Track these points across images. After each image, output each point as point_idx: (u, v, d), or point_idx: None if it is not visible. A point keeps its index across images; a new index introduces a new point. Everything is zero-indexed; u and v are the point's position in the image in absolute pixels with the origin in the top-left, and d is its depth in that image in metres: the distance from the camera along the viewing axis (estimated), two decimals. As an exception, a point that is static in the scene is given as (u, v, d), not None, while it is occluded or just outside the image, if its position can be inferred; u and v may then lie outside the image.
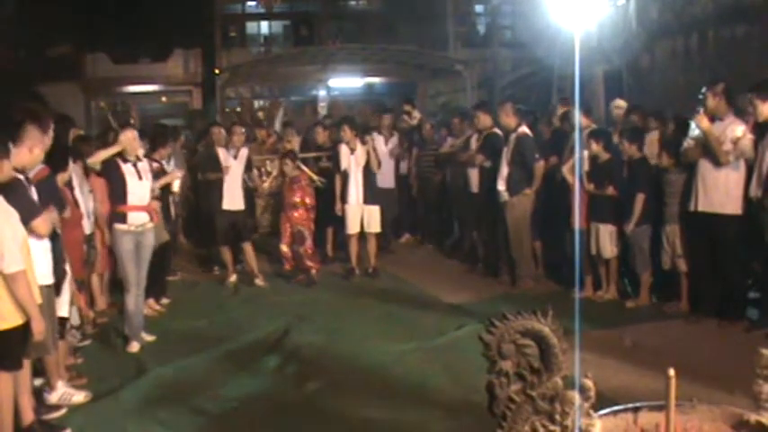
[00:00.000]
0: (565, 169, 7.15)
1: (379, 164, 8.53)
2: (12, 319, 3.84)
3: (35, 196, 4.27)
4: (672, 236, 6.48)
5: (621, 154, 6.93)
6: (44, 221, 4.22)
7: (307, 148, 10.01)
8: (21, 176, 4.20)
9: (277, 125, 12.23)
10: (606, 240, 6.89)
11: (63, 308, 4.84)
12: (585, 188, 6.98)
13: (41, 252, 4.32)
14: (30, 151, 4.27)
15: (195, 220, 9.61)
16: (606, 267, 7.07)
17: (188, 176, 9.98)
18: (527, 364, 2.32)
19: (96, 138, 7.94)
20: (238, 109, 15.39)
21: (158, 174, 7.00)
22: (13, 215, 3.85)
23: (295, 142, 10.27)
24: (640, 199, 6.60)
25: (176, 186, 6.64)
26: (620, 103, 8.30)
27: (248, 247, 8.19)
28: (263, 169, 9.71)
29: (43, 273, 4.32)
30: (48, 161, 4.87)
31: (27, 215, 4.07)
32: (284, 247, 8.26)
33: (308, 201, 8.19)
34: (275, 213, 10.12)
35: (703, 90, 6.05)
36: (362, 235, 8.53)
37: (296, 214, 8.13)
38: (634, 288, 6.95)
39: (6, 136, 4.10)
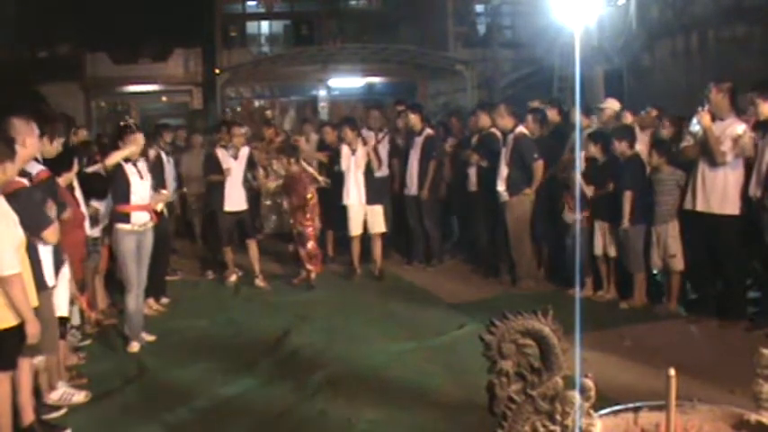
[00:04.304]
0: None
1: (380, 164, 8.46)
2: (6, 320, 3.84)
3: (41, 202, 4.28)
4: (663, 235, 6.48)
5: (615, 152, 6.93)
6: (54, 231, 4.24)
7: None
8: (26, 182, 4.20)
9: (287, 124, 12.18)
10: (609, 239, 6.89)
11: (62, 308, 4.84)
12: (584, 189, 6.96)
13: (44, 254, 4.33)
14: (22, 145, 4.22)
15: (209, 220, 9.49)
16: (607, 267, 7.06)
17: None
18: (527, 363, 2.32)
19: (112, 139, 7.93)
20: (238, 108, 15.37)
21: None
22: (11, 217, 3.85)
23: (313, 141, 10.15)
24: (627, 197, 6.60)
25: (159, 207, 6.66)
26: (611, 104, 7.96)
27: (253, 245, 8.18)
28: (269, 168, 9.68)
29: (47, 275, 4.33)
30: (51, 162, 4.89)
31: (37, 225, 4.07)
32: (290, 248, 8.27)
33: (308, 198, 8.08)
34: (280, 214, 10.09)
35: (710, 86, 6.05)
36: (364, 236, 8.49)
37: (298, 215, 8.08)
38: (628, 289, 6.91)
39: (10, 138, 4.10)
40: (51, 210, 4.40)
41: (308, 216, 8.02)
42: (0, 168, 3.91)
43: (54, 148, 5.17)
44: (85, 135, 8.40)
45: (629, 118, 7.51)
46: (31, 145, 4.35)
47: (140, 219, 6.00)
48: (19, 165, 4.11)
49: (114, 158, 5.93)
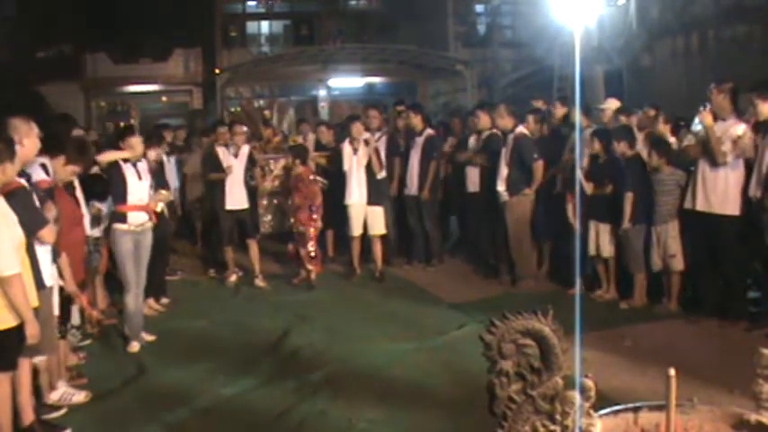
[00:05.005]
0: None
1: (382, 166, 8.41)
2: (6, 321, 3.84)
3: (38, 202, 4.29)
4: (663, 235, 6.48)
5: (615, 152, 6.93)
6: (50, 231, 4.24)
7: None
8: (26, 184, 4.21)
9: (285, 125, 12.17)
10: (606, 240, 6.89)
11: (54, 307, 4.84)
12: (584, 187, 6.96)
13: (43, 254, 4.34)
14: (20, 144, 4.23)
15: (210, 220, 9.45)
16: (606, 267, 7.06)
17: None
18: (527, 363, 2.32)
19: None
20: (237, 108, 15.33)
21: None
22: (11, 217, 3.84)
23: (310, 140, 10.16)
24: (629, 198, 6.60)
25: (160, 207, 6.67)
26: (611, 104, 7.92)
27: (254, 245, 8.18)
28: (266, 168, 9.68)
29: (45, 274, 4.34)
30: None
31: (33, 225, 4.08)
32: (290, 246, 8.26)
33: (312, 200, 8.05)
34: (277, 214, 10.08)
35: (711, 87, 6.06)
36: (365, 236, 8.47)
37: (300, 215, 8.06)
38: (628, 289, 6.91)
39: (10, 139, 4.11)
40: (50, 211, 4.41)
41: (314, 216, 8.02)
42: (0, 169, 3.92)
43: (68, 171, 5.18)
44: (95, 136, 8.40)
45: (623, 120, 7.49)
46: (29, 145, 4.36)
47: (137, 219, 6.00)
48: (18, 165, 4.11)
49: (107, 157, 5.96)
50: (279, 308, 7.24)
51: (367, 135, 8.38)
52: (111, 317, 6.75)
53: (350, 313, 7.04)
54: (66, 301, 5.03)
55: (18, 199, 4.00)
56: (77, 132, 7.65)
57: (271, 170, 9.84)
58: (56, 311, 4.81)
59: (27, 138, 4.35)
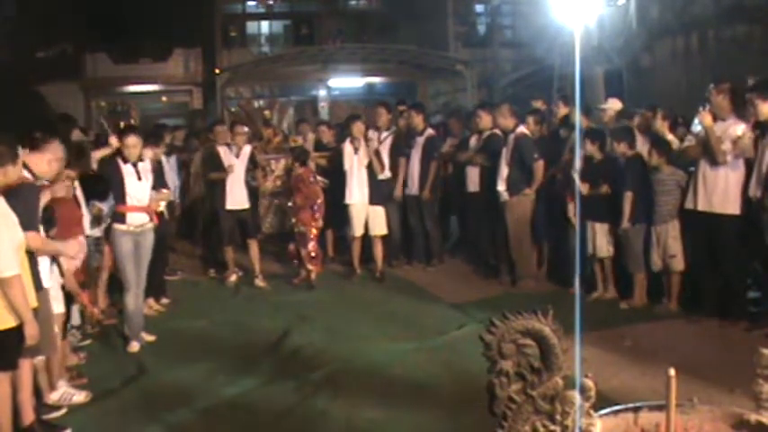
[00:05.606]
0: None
1: (383, 167, 8.40)
2: (6, 321, 3.83)
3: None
4: (663, 235, 6.47)
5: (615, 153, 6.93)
6: (35, 237, 4.19)
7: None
8: (32, 180, 4.23)
9: (285, 125, 12.18)
10: (603, 240, 6.89)
11: (58, 306, 4.84)
12: (580, 187, 6.95)
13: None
14: (48, 164, 4.43)
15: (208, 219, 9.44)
16: (603, 267, 7.05)
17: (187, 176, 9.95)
18: (527, 363, 2.32)
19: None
20: (233, 109, 15.27)
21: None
22: (11, 218, 3.84)
23: (310, 140, 10.16)
24: (629, 198, 6.60)
25: (162, 207, 6.63)
26: (613, 104, 7.88)
27: (254, 245, 8.18)
28: (267, 168, 9.68)
29: (44, 275, 4.34)
30: None
31: (24, 224, 4.08)
32: (291, 246, 8.26)
33: (314, 201, 8.05)
34: (278, 214, 10.09)
35: (710, 87, 6.06)
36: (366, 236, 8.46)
37: (302, 215, 8.05)
38: (628, 288, 6.90)
39: (18, 141, 4.12)
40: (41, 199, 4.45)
41: (315, 216, 8.01)
42: (1, 171, 3.92)
43: (64, 176, 5.21)
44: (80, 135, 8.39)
45: (626, 122, 7.48)
46: (53, 167, 4.55)
47: (136, 220, 5.98)
48: (19, 169, 4.11)
49: (98, 153, 6.05)
50: (279, 308, 7.24)
51: (370, 133, 8.37)
52: (111, 317, 6.75)
53: (350, 313, 7.04)
54: (66, 300, 5.03)
55: (22, 195, 4.00)
56: (77, 134, 7.68)
57: (272, 170, 9.83)
58: (62, 308, 4.83)
59: (57, 162, 4.55)
